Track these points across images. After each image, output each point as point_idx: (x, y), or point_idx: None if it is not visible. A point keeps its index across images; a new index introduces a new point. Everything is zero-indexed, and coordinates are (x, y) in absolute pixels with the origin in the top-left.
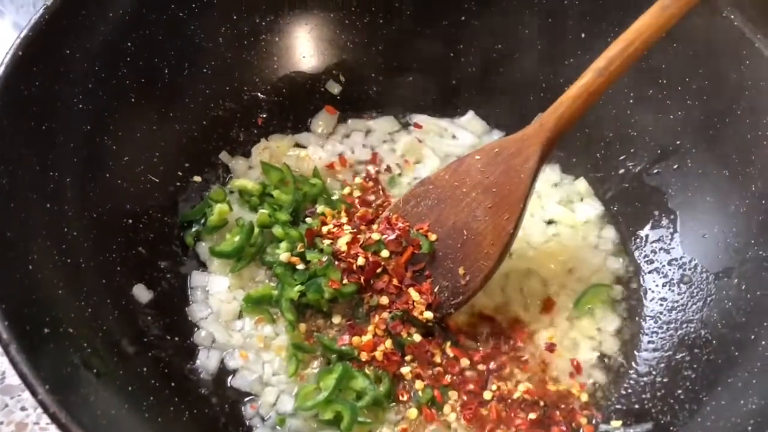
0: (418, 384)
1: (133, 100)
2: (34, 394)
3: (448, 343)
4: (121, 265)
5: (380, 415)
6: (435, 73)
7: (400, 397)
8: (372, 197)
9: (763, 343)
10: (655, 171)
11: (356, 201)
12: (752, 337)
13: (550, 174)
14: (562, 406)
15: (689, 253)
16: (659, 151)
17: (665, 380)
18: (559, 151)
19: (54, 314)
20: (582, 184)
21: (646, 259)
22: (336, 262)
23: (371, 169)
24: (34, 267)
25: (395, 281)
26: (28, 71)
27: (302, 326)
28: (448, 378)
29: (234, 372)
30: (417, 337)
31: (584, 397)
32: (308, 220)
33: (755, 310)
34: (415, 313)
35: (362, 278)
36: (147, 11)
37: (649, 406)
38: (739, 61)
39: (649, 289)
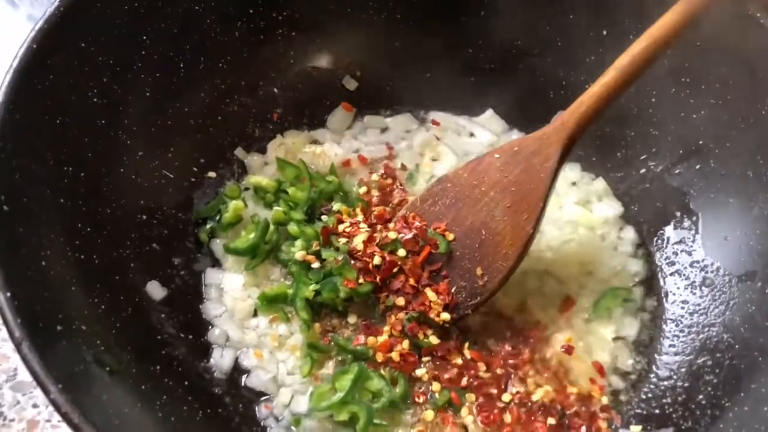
0: (435, 386)
1: (147, 94)
2: (46, 393)
3: (466, 345)
4: (134, 262)
5: (396, 416)
6: (453, 69)
7: (417, 399)
8: (390, 195)
9: None
10: (677, 171)
11: (374, 199)
12: None
13: (569, 173)
14: (583, 409)
15: (711, 256)
16: (681, 151)
17: (686, 385)
18: (580, 150)
19: (66, 311)
20: (600, 184)
21: (668, 261)
22: (352, 261)
23: (389, 166)
24: (46, 263)
25: (412, 281)
26: (42, 64)
27: (317, 326)
28: (465, 380)
29: (248, 371)
30: (434, 339)
31: (605, 400)
32: (324, 217)
33: None
34: (432, 315)
35: (378, 278)
36: (162, 4)
37: (669, 411)
38: (764, 59)
39: (671, 291)
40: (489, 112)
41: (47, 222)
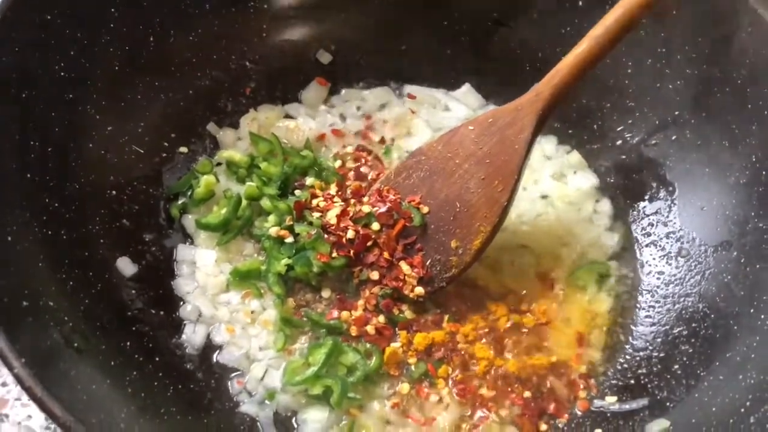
0: (411, 358)
1: (116, 68)
2: (9, 367)
3: (446, 318)
4: (104, 238)
5: (371, 390)
6: (428, 42)
7: (392, 372)
8: (365, 169)
9: (762, 317)
10: (653, 142)
11: (350, 174)
12: (751, 311)
13: (545, 146)
14: (559, 378)
15: (687, 226)
16: (657, 122)
17: (662, 355)
18: (555, 122)
19: (33, 287)
20: (575, 156)
21: (644, 232)
22: (325, 236)
23: (366, 138)
24: (13, 238)
25: (386, 255)
26: (7, 37)
27: (290, 300)
28: (441, 352)
29: (220, 347)
30: (409, 314)
31: (582, 369)
32: (297, 192)
33: (754, 284)
34: (406, 291)
35: (352, 252)
36: None
37: (645, 382)
38: (739, 28)
39: (647, 262)
40: (466, 87)
41: (13, 197)
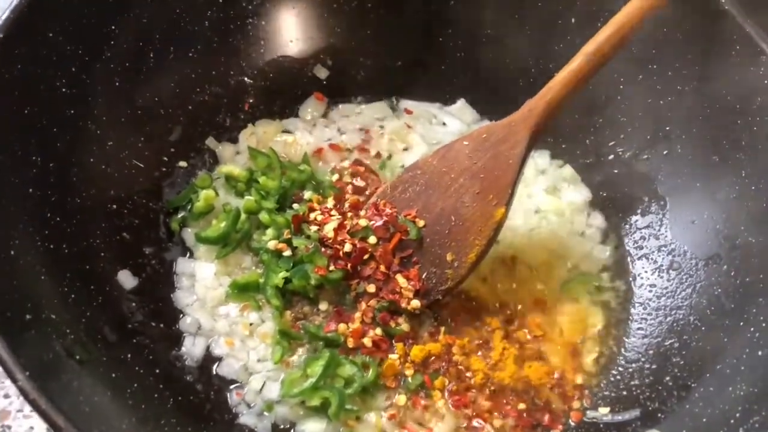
0: (408, 370)
1: (117, 84)
2: (13, 380)
3: (443, 330)
4: (105, 251)
5: (368, 401)
6: (424, 58)
7: (389, 384)
8: (363, 183)
9: (752, 329)
10: (645, 157)
11: (348, 187)
12: (741, 323)
13: (538, 160)
14: (553, 389)
15: (679, 240)
16: (649, 137)
17: (654, 367)
18: (549, 137)
19: (36, 300)
20: (568, 171)
21: (636, 245)
22: (323, 249)
23: (361, 153)
24: (15, 252)
25: (383, 268)
26: (9, 54)
27: (288, 313)
28: (437, 364)
29: (219, 359)
30: (405, 327)
31: (576, 380)
32: (295, 206)
33: (744, 297)
34: (403, 304)
35: (349, 265)
36: None
37: (637, 393)
38: (729, 46)
39: (639, 275)
40: (461, 102)
41: (16, 212)
